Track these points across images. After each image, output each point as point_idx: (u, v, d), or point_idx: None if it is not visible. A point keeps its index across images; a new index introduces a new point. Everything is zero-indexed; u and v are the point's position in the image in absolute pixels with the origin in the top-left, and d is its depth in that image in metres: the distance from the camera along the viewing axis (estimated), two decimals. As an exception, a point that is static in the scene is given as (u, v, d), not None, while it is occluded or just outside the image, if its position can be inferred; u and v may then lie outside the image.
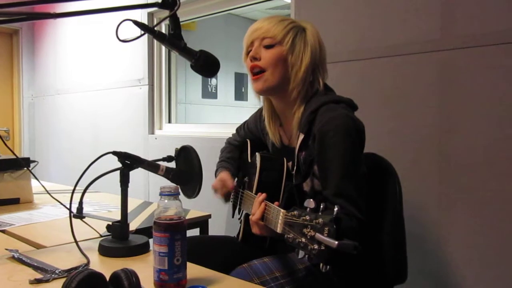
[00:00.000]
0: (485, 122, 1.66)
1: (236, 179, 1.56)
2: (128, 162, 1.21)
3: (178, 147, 1.37)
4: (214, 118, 5.42)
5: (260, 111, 1.57)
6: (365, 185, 1.21)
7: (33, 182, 1.93)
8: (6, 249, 1.19)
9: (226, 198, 1.54)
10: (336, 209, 0.81)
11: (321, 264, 0.81)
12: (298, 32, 1.31)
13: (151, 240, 1.11)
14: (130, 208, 1.27)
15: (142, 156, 1.24)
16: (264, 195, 1.15)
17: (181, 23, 1.19)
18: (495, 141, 1.64)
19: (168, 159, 1.33)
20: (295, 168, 1.29)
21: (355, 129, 1.21)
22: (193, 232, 1.68)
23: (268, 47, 1.30)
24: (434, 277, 1.80)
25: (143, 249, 1.21)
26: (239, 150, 1.65)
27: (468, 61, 1.70)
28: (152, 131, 3.29)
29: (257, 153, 1.37)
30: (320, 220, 0.81)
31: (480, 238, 1.68)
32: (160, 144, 3.18)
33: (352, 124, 1.21)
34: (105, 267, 1.09)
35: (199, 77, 5.11)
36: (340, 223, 0.79)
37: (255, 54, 1.31)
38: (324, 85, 1.33)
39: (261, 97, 1.44)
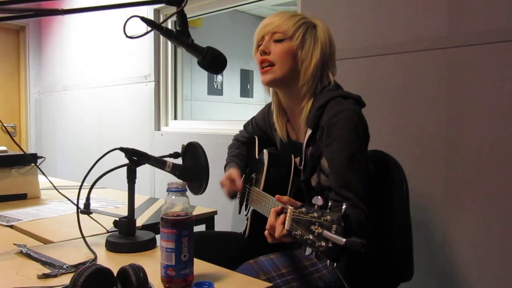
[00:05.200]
0: (492, 120, 1.65)
1: (243, 176, 1.56)
2: (135, 158, 1.22)
3: (185, 143, 1.37)
4: (220, 114, 5.42)
5: (268, 106, 1.57)
6: (368, 180, 1.21)
7: (40, 178, 1.94)
8: (14, 244, 1.20)
9: (232, 196, 1.54)
10: (344, 206, 0.81)
11: (328, 261, 0.81)
12: (308, 28, 1.31)
13: (157, 236, 1.12)
14: (137, 204, 1.28)
15: (148, 153, 1.25)
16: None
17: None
18: (502, 139, 1.63)
19: (175, 155, 1.33)
20: (302, 164, 1.29)
21: (361, 124, 1.23)
22: (199, 229, 1.68)
23: (278, 41, 1.31)
24: (440, 275, 1.80)
25: (149, 245, 1.22)
26: (247, 147, 1.65)
27: (476, 58, 1.69)
28: (158, 128, 3.29)
29: (264, 150, 1.37)
30: (328, 217, 0.81)
31: (486, 236, 1.68)
32: (166, 140, 3.19)
33: (358, 119, 1.22)
34: (112, 262, 1.09)
35: (204, 74, 5.11)
36: (348, 220, 0.79)
37: (265, 48, 1.32)
38: (333, 81, 1.33)
39: (270, 91, 1.44)
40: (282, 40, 1.30)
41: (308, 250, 0.84)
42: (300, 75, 1.30)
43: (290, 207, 0.95)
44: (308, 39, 1.30)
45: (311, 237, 0.83)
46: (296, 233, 0.88)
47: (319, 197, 0.87)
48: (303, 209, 0.89)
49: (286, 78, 1.31)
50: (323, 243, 0.80)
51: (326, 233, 0.79)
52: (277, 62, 1.30)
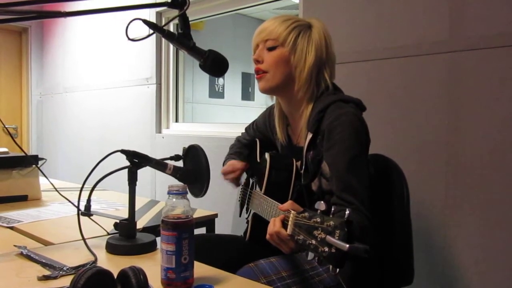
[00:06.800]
0: (493, 124, 1.65)
1: (244, 175, 1.57)
2: (136, 161, 1.22)
3: (186, 146, 1.37)
4: (221, 117, 5.43)
5: (269, 110, 1.57)
6: (369, 183, 1.20)
7: (41, 179, 1.94)
8: (15, 246, 1.20)
9: (236, 182, 1.54)
10: (347, 212, 0.80)
11: (330, 267, 0.81)
12: (301, 31, 1.30)
13: (158, 239, 1.12)
14: (137, 206, 1.28)
15: (149, 155, 1.25)
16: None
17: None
18: (502, 143, 1.63)
19: (176, 158, 1.33)
20: (303, 168, 1.29)
21: (362, 128, 1.22)
22: (200, 231, 1.68)
23: (271, 49, 1.31)
24: (440, 279, 1.79)
25: (150, 247, 1.21)
26: (248, 149, 1.65)
27: (476, 62, 1.69)
28: (159, 130, 3.30)
29: (266, 153, 1.37)
30: (331, 222, 0.80)
31: (487, 240, 1.67)
32: (167, 143, 3.19)
33: (359, 123, 1.22)
34: (112, 264, 1.09)
35: (206, 77, 5.12)
36: (351, 226, 0.79)
37: (257, 57, 1.33)
38: (332, 84, 1.33)
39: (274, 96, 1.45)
40: (274, 47, 1.30)
41: (310, 255, 0.83)
42: (295, 80, 1.30)
43: (292, 211, 0.95)
44: (300, 43, 1.29)
45: (313, 242, 0.82)
46: (298, 237, 0.88)
47: (322, 202, 0.87)
48: (306, 214, 0.88)
49: (281, 85, 1.31)
50: (326, 249, 0.79)
51: (329, 238, 0.79)
52: (270, 70, 1.31)
